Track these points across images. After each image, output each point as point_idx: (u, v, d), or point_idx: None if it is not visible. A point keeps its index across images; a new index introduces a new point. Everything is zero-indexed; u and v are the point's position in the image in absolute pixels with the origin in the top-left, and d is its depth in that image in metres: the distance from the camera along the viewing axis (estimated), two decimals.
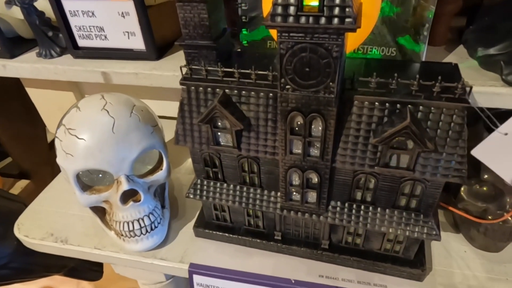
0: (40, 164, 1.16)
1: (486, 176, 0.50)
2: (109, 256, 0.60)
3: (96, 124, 0.51)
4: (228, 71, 0.42)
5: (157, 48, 0.63)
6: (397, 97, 0.38)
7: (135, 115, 0.54)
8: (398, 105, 0.38)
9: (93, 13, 0.61)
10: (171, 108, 0.93)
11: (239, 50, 0.55)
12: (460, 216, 0.57)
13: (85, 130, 0.51)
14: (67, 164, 0.52)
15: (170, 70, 0.60)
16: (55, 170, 1.18)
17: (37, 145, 1.16)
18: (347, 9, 0.30)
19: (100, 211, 0.59)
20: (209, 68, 0.43)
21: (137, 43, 0.63)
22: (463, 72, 0.51)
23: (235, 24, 0.63)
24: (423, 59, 0.50)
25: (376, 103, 0.39)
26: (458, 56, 0.56)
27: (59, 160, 0.53)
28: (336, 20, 0.31)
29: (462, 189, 0.53)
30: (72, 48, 0.65)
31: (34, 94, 0.88)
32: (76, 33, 0.64)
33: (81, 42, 0.65)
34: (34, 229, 0.65)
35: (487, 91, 0.48)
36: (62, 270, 0.82)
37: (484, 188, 0.51)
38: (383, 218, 0.47)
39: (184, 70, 0.45)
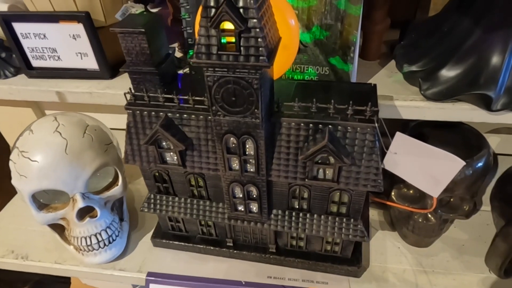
0: (3, 179, 1.15)
1: None
2: (69, 270, 0.62)
3: (48, 146, 0.53)
4: (168, 97, 0.46)
5: (110, 67, 0.66)
6: (318, 119, 0.43)
7: (88, 135, 0.57)
8: (320, 125, 0.43)
9: (44, 36, 0.63)
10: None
11: (183, 72, 0.58)
12: (394, 215, 0.63)
13: (38, 152, 0.53)
14: (21, 185, 0.54)
15: (124, 88, 0.62)
16: None
17: None
18: (260, 49, 0.35)
19: (58, 227, 0.61)
20: (151, 94, 0.46)
21: (90, 63, 0.65)
22: (391, 85, 0.57)
23: (183, 46, 0.66)
24: (354, 77, 0.55)
25: (301, 124, 0.43)
26: (389, 71, 0.62)
27: (14, 182, 0.55)
28: (252, 59, 0.35)
29: (392, 192, 0.58)
30: (26, 68, 0.67)
31: None
32: (29, 54, 0.66)
33: (35, 63, 0.67)
34: None
35: (409, 105, 0.54)
36: (26, 284, 0.83)
37: (410, 191, 0.57)
38: (319, 224, 0.52)
39: (129, 96, 0.48)
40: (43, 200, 0.58)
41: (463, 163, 0.36)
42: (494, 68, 0.48)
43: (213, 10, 0.34)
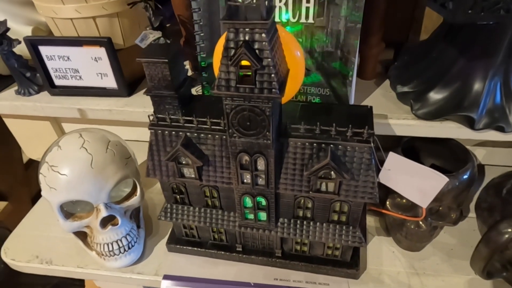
0: (17, 185, 1.20)
1: None
2: (91, 273, 0.68)
3: (76, 161, 0.59)
4: (188, 119, 0.51)
5: (128, 85, 0.72)
6: (322, 139, 0.48)
7: (111, 150, 0.62)
8: (323, 145, 0.49)
9: (68, 58, 0.68)
10: (142, 133, 1.01)
11: (198, 94, 0.64)
12: (389, 222, 0.69)
13: (66, 167, 0.59)
14: (51, 197, 0.59)
15: (141, 106, 0.68)
16: (32, 190, 1.23)
17: (13, 167, 1.20)
18: (273, 83, 0.40)
19: (81, 234, 0.67)
20: (172, 117, 0.52)
21: (110, 82, 0.71)
22: (386, 104, 0.63)
23: (197, 69, 0.72)
24: (352, 97, 0.61)
25: (306, 144, 0.49)
26: (384, 90, 0.68)
27: (44, 193, 0.61)
28: (265, 91, 0.41)
29: (387, 201, 0.64)
30: (49, 86, 0.72)
31: (10, 123, 0.93)
32: (52, 74, 0.71)
33: (58, 82, 0.73)
34: (19, 253, 0.71)
35: (402, 123, 0.60)
36: (45, 287, 0.88)
37: (403, 201, 0.63)
38: (321, 231, 0.58)
39: (151, 117, 0.54)
40: (69, 210, 0.64)
41: (446, 179, 0.41)
42: (476, 93, 0.54)
43: (233, 51, 0.40)
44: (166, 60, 0.49)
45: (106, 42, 0.64)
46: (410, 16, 0.75)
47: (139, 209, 0.70)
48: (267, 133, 0.46)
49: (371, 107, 0.55)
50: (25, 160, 1.24)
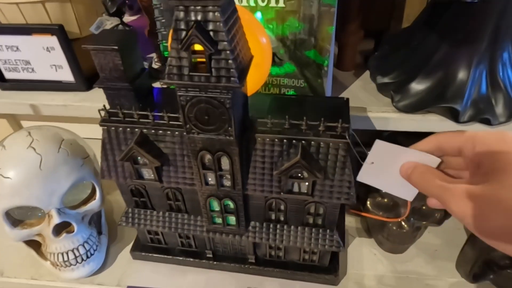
0: None
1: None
2: (46, 286, 0.61)
3: (22, 162, 0.53)
4: (143, 114, 0.46)
5: (86, 79, 0.65)
6: (292, 135, 0.43)
7: (64, 149, 0.56)
8: (294, 141, 0.44)
9: (17, 48, 0.62)
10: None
11: (160, 87, 0.58)
12: (371, 223, 0.64)
13: (11, 169, 0.52)
14: None
15: (100, 101, 0.62)
16: None
17: None
18: (231, 70, 0.35)
19: (34, 243, 0.60)
20: (125, 111, 0.46)
21: (65, 75, 0.64)
22: (365, 96, 0.59)
23: (161, 58, 0.66)
24: (329, 89, 0.57)
25: (275, 140, 0.44)
26: (363, 81, 0.64)
27: None
28: (223, 79, 0.36)
29: (368, 201, 0.60)
30: None
31: None
32: (1, 66, 0.65)
33: (8, 75, 0.66)
34: None
35: (381, 116, 0.55)
36: None
37: (385, 200, 0.59)
38: (296, 235, 0.53)
39: (103, 112, 0.48)
40: (18, 216, 0.57)
41: (439, 160, 0.37)
42: (460, 83, 0.50)
43: (183, 33, 0.34)
44: (116, 47, 0.43)
45: (57, 30, 0.58)
46: (391, 3, 0.70)
47: (100, 213, 0.64)
48: (229, 128, 0.40)
49: (347, 99, 0.50)
50: None
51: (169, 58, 0.36)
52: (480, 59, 0.49)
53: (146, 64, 0.64)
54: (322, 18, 0.50)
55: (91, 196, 0.61)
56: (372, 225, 0.63)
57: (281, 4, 0.50)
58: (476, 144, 0.32)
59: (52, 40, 0.60)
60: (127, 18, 0.92)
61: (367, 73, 0.65)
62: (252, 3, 0.51)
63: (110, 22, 0.58)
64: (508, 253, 0.29)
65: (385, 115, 0.55)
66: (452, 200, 0.31)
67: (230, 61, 0.35)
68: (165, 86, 0.60)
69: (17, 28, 0.59)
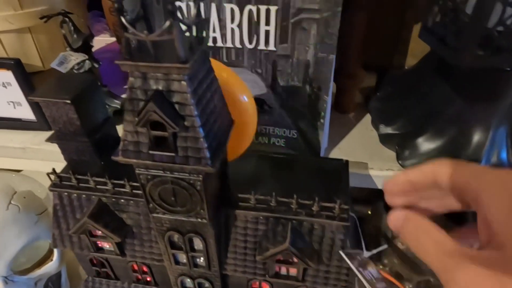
0: None
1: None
2: None
3: None
4: (100, 180, 0.38)
5: None
6: (279, 213, 0.36)
7: (14, 206, 0.48)
8: (282, 219, 0.36)
9: None
10: None
11: None
12: None
13: None
14: None
15: None
16: None
17: None
18: (202, 150, 0.27)
19: None
20: (79, 177, 0.38)
21: (25, 112, 0.56)
22: (366, 148, 0.52)
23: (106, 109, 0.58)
24: (325, 141, 0.49)
25: (260, 218, 0.36)
26: (364, 127, 0.57)
27: None
28: (192, 161, 0.28)
29: None
30: None
31: None
32: None
33: None
34: None
35: (385, 175, 0.48)
36: None
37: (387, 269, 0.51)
38: None
39: (53, 176, 0.40)
40: None
41: None
42: (477, 145, 0.43)
43: (141, 104, 0.26)
44: (69, 101, 0.36)
45: (13, 65, 0.50)
46: (395, 36, 0.64)
47: (59, 274, 0.55)
48: (202, 211, 0.32)
49: (346, 162, 0.43)
50: None
51: (123, 132, 0.28)
52: (502, 120, 0.42)
53: (118, 104, 0.56)
54: (318, 65, 0.43)
55: (48, 256, 0.53)
56: None
57: (271, 47, 0.43)
58: (481, 193, 0.23)
59: (8, 75, 0.52)
60: (102, 39, 0.84)
61: (368, 117, 0.58)
62: (238, 45, 0.43)
63: (75, 58, 0.50)
64: None
65: (389, 174, 0.48)
66: (458, 276, 0.21)
67: (201, 140, 0.27)
68: None
69: None
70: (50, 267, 0.51)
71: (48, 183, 0.53)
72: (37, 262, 0.52)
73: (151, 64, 0.25)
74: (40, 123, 0.57)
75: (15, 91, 0.54)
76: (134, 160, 0.29)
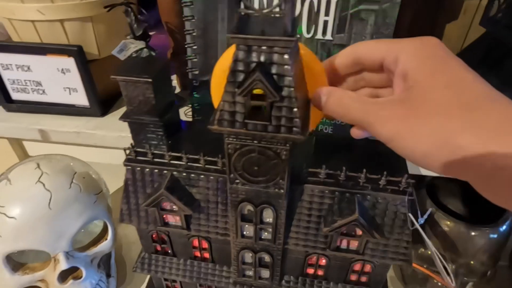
0: None
1: None
2: None
3: (29, 200, 0.46)
4: (175, 155, 0.40)
5: (101, 103, 0.60)
6: (346, 187, 0.38)
7: (76, 185, 0.50)
8: (348, 194, 0.39)
9: (28, 68, 0.56)
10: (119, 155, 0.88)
11: (188, 121, 0.53)
12: (407, 274, 0.59)
13: (16, 208, 0.46)
14: None
15: (116, 129, 0.57)
16: None
17: None
18: (295, 120, 0.30)
19: None
20: (155, 152, 0.41)
21: (80, 99, 0.59)
22: None
23: (186, 87, 0.61)
24: None
25: (326, 192, 0.39)
26: None
27: None
28: (283, 130, 0.30)
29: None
30: (5, 101, 0.60)
31: None
32: (9, 86, 0.59)
33: (15, 95, 0.60)
34: None
35: None
36: None
37: (428, 252, 0.53)
38: None
39: (128, 151, 0.42)
40: (18, 259, 0.51)
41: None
42: None
43: (242, 75, 0.29)
44: (150, 80, 0.38)
45: (75, 52, 0.53)
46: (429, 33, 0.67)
47: (110, 254, 0.57)
48: (281, 181, 0.35)
49: None
50: None
51: (221, 102, 0.30)
52: None
53: None
54: None
55: (102, 235, 0.55)
56: (409, 276, 0.58)
57: (328, 37, 0.46)
58: (400, 54, 0.27)
59: (69, 62, 0.55)
60: None
61: None
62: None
63: (135, 46, 0.53)
64: (445, 174, 0.25)
65: None
66: (376, 121, 0.27)
67: (294, 110, 0.30)
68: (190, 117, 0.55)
69: (30, 48, 0.54)
70: (104, 245, 0.53)
71: (98, 168, 0.56)
72: (92, 240, 0.54)
73: (260, 37, 0.27)
74: (93, 109, 0.59)
75: (73, 78, 0.56)
76: (229, 129, 0.31)
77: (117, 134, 0.56)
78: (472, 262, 0.53)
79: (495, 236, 0.50)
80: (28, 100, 0.60)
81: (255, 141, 0.32)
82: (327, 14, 0.45)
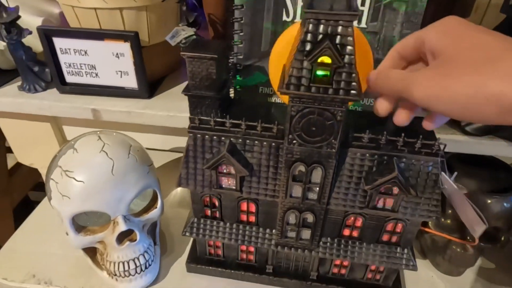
0: None
1: (449, 211, 0.58)
2: None
3: (95, 166, 0.52)
4: (235, 122, 0.46)
5: (149, 85, 0.65)
6: (386, 151, 0.44)
7: (133, 155, 0.56)
8: (385, 157, 0.44)
9: (86, 52, 0.62)
10: (156, 140, 0.93)
11: (237, 98, 0.58)
12: (426, 244, 0.64)
13: (83, 172, 0.51)
14: (63, 206, 0.52)
15: (163, 109, 0.62)
16: (14, 199, 1.11)
17: None
18: (353, 84, 0.36)
19: (91, 251, 0.59)
20: (217, 119, 0.46)
21: (130, 82, 0.64)
22: None
23: (228, 71, 0.67)
24: None
25: (367, 155, 0.45)
26: None
27: (54, 202, 0.53)
28: (342, 92, 0.36)
29: (429, 222, 0.60)
30: (59, 83, 0.65)
31: (4, 123, 0.84)
32: (65, 69, 0.64)
33: (70, 78, 0.66)
34: (13, 271, 0.62)
35: (450, 139, 0.56)
36: None
37: (448, 221, 0.59)
38: (368, 252, 0.52)
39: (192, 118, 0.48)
40: (80, 222, 0.56)
41: (484, 226, 0.39)
42: None
43: (309, 45, 0.35)
44: (216, 56, 0.44)
45: (132, 37, 0.58)
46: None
47: (156, 223, 0.62)
48: (333, 140, 0.41)
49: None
50: (10, 165, 1.13)
51: (291, 69, 0.36)
52: None
53: None
54: None
55: (152, 204, 0.60)
56: (428, 246, 0.63)
57: (363, 24, 0.52)
58: (425, 36, 0.33)
59: (124, 47, 0.60)
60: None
61: None
62: None
63: (185, 33, 0.59)
64: (484, 122, 0.31)
65: (452, 137, 0.56)
66: (413, 87, 0.32)
67: (353, 75, 0.36)
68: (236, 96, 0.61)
69: (90, 33, 0.59)
70: (154, 213, 0.58)
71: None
72: (144, 208, 0.59)
73: (329, 12, 0.33)
74: (142, 91, 0.65)
75: (126, 62, 0.62)
76: (296, 92, 0.37)
77: (164, 113, 0.62)
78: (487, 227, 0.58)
79: (509, 205, 0.56)
80: (81, 83, 0.65)
81: (316, 104, 0.38)
82: (362, 4, 0.51)
